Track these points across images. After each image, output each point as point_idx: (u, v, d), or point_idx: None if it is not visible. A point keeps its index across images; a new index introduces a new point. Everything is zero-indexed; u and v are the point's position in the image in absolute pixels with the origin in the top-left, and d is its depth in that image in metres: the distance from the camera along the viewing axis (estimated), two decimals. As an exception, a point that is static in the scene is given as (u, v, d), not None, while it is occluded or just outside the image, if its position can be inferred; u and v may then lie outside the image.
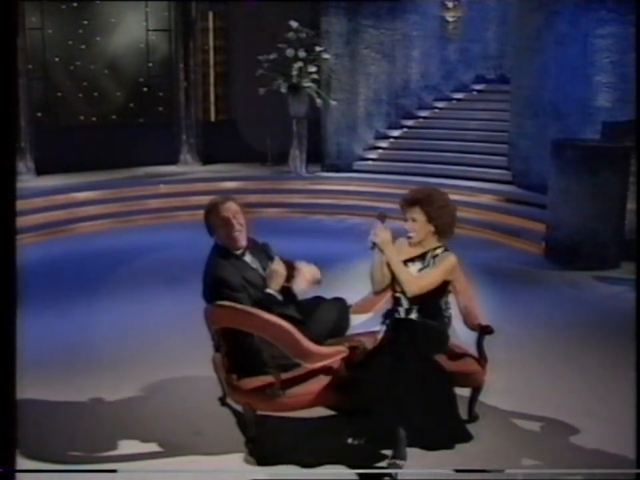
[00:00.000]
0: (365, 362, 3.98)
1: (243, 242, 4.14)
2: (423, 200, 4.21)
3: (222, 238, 4.13)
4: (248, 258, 4.17)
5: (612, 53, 8.72)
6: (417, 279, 4.16)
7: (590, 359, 5.42)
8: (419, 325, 4.16)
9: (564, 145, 8.00)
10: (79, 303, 6.50)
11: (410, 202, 4.25)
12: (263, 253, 4.23)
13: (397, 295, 4.29)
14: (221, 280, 3.97)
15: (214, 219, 4.13)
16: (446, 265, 4.21)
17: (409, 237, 4.27)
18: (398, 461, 3.74)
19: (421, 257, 4.27)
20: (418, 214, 4.21)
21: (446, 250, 4.28)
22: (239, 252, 4.13)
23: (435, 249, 4.27)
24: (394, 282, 4.28)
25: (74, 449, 4.10)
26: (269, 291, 4.03)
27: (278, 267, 4.08)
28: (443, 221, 4.23)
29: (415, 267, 4.24)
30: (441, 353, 4.20)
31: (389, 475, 3.73)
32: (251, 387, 3.94)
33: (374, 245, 4.16)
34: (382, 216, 4.18)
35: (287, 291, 4.14)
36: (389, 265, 4.21)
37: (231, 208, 4.13)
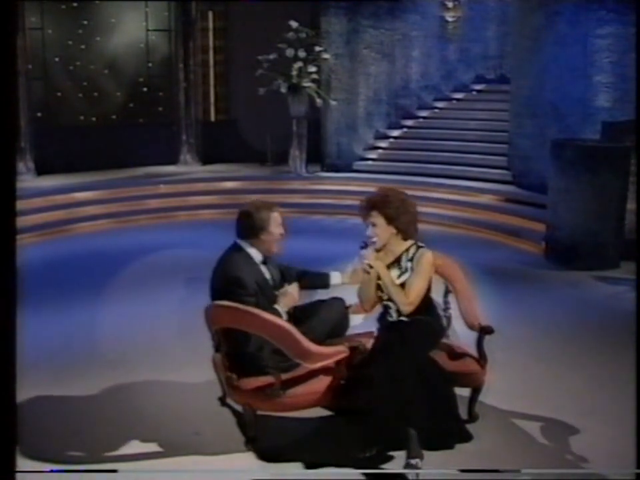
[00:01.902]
0: (364, 363, 3.98)
1: (278, 251, 4.21)
2: (378, 203, 4.21)
3: (263, 243, 4.13)
4: (263, 266, 4.19)
5: (612, 52, 8.73)
6: (406, 298, 4.14)
7: (590, 358, 5.42)
8: (410, 322, 4.16)
9: (564, 145, 8.00)
10: (78, 303, 6.50)
11: (366, 207, 4.25)
12: (275, 266, 4.28)
13: (385, 303, 4.29)
14: (237, 279, 3.99)
15: (265, 224, 4.11)
16: (425, 267, 4.19)
17: (372, 243, 4.22)
18: (413, 461, 3.69)
19: (396, 262, 4.24)
20: (376, 218, 4.20)
21: (419, 247, 4.24)
22: (259, 258, 4.16)
23: (408, 249, 4.25)
24: (379, 291, 4.28)
25: (74, 448, 4.10)
26: (276, 306, 4.07)
27: (294, 291, 4.16)
28: (402, 220, 4.20)
29: (393, 274, 4.22)
30: (436, 346, 4.20)
31: (400, 475, 3.71)
32: (250, 387, 3.94)
33: (371, 267, 4.19)
34: (365, 244, 4.20)
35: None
36: (378, 285, 4.24)
37: (280, 218, 4.19)
